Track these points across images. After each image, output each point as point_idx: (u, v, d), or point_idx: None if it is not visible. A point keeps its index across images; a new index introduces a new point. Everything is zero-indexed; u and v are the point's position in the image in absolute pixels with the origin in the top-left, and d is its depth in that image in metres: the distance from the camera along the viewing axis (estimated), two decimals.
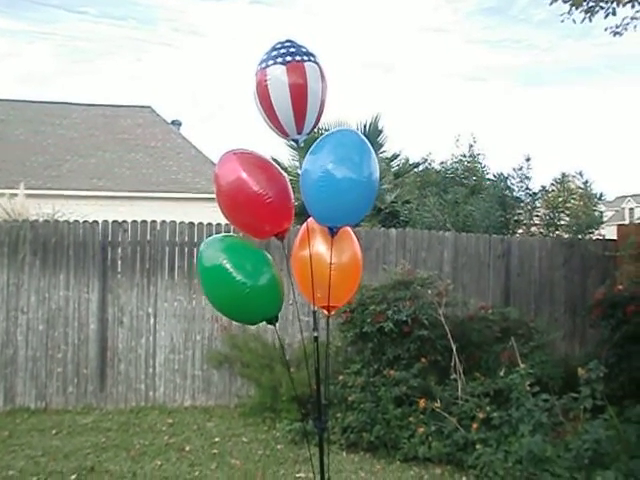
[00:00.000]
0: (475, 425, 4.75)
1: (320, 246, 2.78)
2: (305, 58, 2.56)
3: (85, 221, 6.88)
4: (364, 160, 2.62)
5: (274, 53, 2.55)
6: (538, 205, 9.11)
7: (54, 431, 5.79)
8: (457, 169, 10.78)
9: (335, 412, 5.37)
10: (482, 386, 5.13)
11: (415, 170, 12.14)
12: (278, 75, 2.52)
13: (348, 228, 2.89)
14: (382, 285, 5.85)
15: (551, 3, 6.11)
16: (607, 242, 7.69)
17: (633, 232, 7.06)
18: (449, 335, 5.40)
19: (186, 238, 6.90)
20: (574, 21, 6.22)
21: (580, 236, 7.97)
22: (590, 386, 4.25)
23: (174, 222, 6.94)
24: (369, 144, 2.67)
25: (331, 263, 2.72)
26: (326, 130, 8.66)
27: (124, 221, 6.88)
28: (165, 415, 6.39)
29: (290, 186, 2.79)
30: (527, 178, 8.97)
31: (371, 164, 2.63)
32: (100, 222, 6.84)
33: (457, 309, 6.12)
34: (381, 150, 11.92)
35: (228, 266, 2.62)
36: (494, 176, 9.67)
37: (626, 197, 46.58)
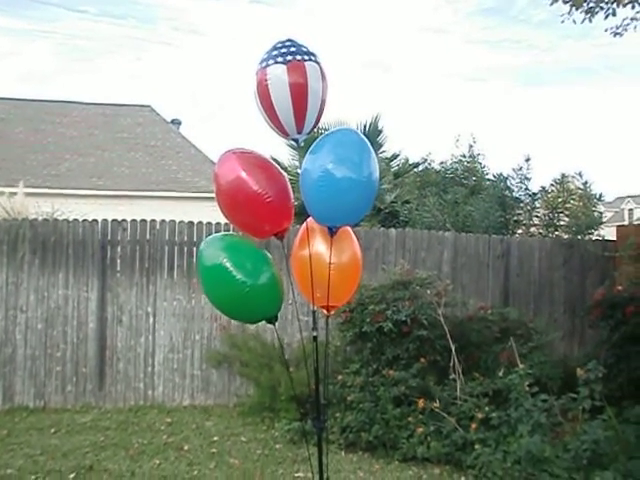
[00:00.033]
0: (474, 425, 4.75)
1: (320, 246, 2.79)
2: (306, 57, 2.56)
3: (84, 220, 6.88)
4: (364, 160, 2.62)
5: (275, 52, 2.56)
6: (538, 205, 9.12)
7: (53, 430, 5.79)
8: (457, 169, 10.77)
9: (334, 412, 5.37)
10: (481, 386, 5.14)
11: (415, 170, 12.13)
12: (279, 74, 2.52)
13: (348, 228, 2.89)
14: (381, 285, 5.85)
15: (551, 4, 6.12)
16: (606, 243, 7.69)
17: (632, 233, 7.07)
18: (448, 335, 5.40)
19: (185, 237, 6.90)
20: (574, 22, 6.23)
21: (579, 237, 7.98)
22: (589, 387, 4.25)
23: (174, 221, 6.94)
24: (369, 144, 2.68)
25: (330, 263, 2.72)
26: (326, 130, 8.65)
27: (123, 220, 6.87)
28: (164, 414, 6.39)
29: (290, 186, 2.80)
30: (527, 178, 8.97)
31: (371, 164, 2.64)
32: (99, 221, 6.83)
33: (456, 309, 6.12)
34: (381, 150, 11.92)
35: (228, 265, 2.62)
36: (494, 176, 9.68)
37: (625, 198, 46.60)
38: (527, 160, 9.00)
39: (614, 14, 6.05)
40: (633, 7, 5.98)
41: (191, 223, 6.96)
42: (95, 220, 6.86)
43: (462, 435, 4.79)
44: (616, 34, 6.45)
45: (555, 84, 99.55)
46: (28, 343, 6.59)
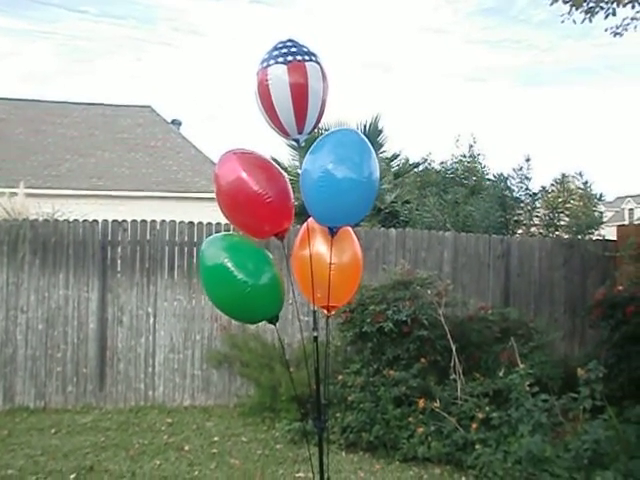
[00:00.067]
0: (474, 425, 4.75)
1: (320, 246, 2.79)
2: (306, 58, 2.56)
3: (85, 220, 6.88)
4: (364, 160, 2.62)
5: (275, 53, 2.56)
6: (538, 205, 9.12)
7: (53, 430, 5.79)
8: (457, 169, 10.78)
9: (334, 412, 5.37)
10: (481, 386, 5.14)
11: (415, 170, 12.13)
12: (279, 75, 2.52)
13: (349, 228, 2.89)
14: (382, 285, 5.85)
15: (551, 4, 6.12)
16: (607, 243, 7.69)
17: (633, 233, 7.07)
18: (449, 335, 5.40)
19: (186, 238, 6.90)
20: (574, 22, 6.23)
21: (580, 236, 7.98)
22: (589, 386, 4.24)
23: (174, 222, 6.94)
24: (369, 144, 2.67)
25: (331, 263, 2.72)
26: (326, 130, 8.66)
27: (124, 220, 6.88)
28: (164, 415, 6.39)
29: (290, 186, 2.80)
30: (527, 178, 8.98)
31: (371, 164, 2.64)
32: (100, 221, 6.84)
33: (457, 309, 6.12)
34: (381, 150, 11.91)
35: (229, 265, 2.62)
36: (494, 176, 9.68)
37: (626, 197, 46.60)
38: (527, 160, 9.02)
39: (614, 14, 6.06)
40: (633, 7, 5.98)
41: (191, 223, 6.97)
42: (95, 220, 6.87)
43: (463, 435, 4.79)
44: (616, 34, 6.45)
45: (555, 84, 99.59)
46: (29, 343, 6.60)
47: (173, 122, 20.79)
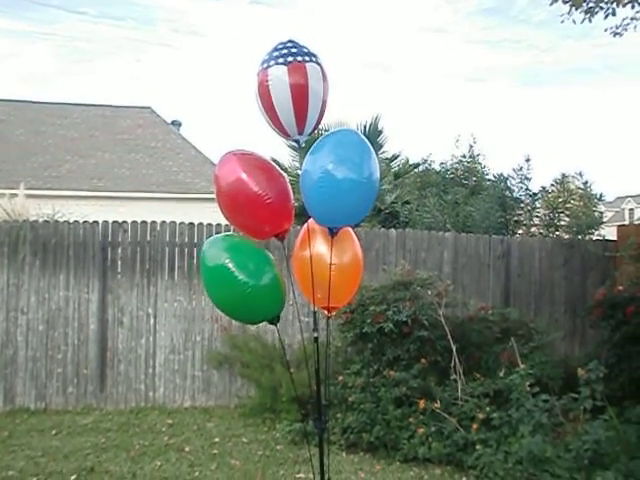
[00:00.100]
0: (475, 426, 4.75)
1: (320, 247, 2.79)
2: (307, 58, 2.56)
3: (85, 221, 6.88)
4: (364, 160, 2.62)
5: (275, 53, 2.56)
6: (538, 206, 9.12)
7: (54, 431, 5.79)
8: (457, 170, 10.79)
9: (335, 413, 5.37)
10: (482, 387, 5.14)
11: (415, 171, 12.14)
12: (280, 75, 2.53)
13: (349, 228, 2.89)
14: (382, 286, 5.85)
15: (551, 4, 6.12)
16: (607, 243, 7.69)
17: (633, 233, 7.06)
18: (449, 336, 5.40)
19: (186, 239, 6.90)
20: (574, 22, 6.23)
21: (580, 237, 7.99)
22: (590, 387, 4.25)
23: (174, 222, 6.94)
24: (369, 144, 2.68)
25: (331, 264, 2.72)
26: (326, 131, 8.66)
27: (124, 221, 6.88)
28: (165, 416, 6.39)
29: (290, 187, 2.80)
30: (527, 179, 8.98)
31: (371, 164, 2.64)
32: (100, 222, 6.84)
33: (457, 310, 6.12)
34: (381, 150, 11.92)
35: (231, 265, 2.62)
36: (494, 177, 9.69)
37: (626, 198, 46.59)
38: (527, 160, 9.02)
39: (614, 14, 6.06)
40: (633, 7, 5.99)
41: (191, 224, 6.97)
42: (96, 222, 6.87)
43: (463, 435, 4.79)
44: (616, 34, 6.46)
45: (555, 84, 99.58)
46: (29, 345, 6.60)
47: (173, 123, 20.79)
